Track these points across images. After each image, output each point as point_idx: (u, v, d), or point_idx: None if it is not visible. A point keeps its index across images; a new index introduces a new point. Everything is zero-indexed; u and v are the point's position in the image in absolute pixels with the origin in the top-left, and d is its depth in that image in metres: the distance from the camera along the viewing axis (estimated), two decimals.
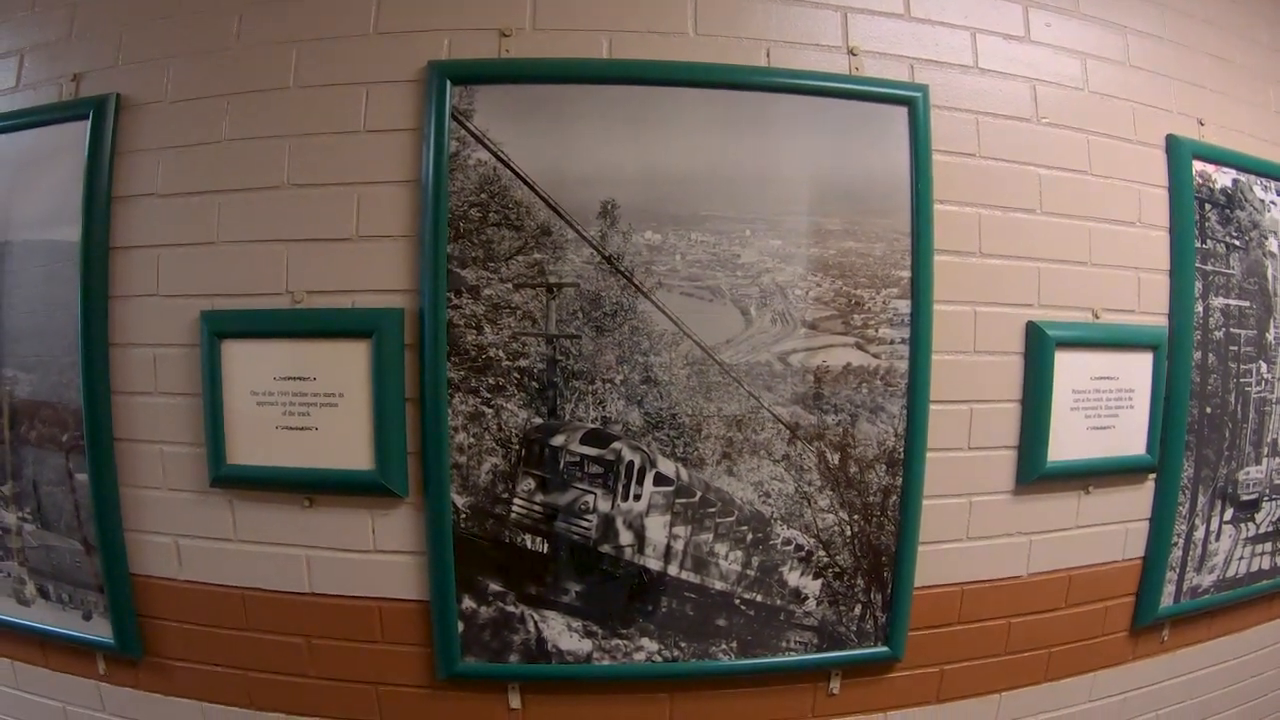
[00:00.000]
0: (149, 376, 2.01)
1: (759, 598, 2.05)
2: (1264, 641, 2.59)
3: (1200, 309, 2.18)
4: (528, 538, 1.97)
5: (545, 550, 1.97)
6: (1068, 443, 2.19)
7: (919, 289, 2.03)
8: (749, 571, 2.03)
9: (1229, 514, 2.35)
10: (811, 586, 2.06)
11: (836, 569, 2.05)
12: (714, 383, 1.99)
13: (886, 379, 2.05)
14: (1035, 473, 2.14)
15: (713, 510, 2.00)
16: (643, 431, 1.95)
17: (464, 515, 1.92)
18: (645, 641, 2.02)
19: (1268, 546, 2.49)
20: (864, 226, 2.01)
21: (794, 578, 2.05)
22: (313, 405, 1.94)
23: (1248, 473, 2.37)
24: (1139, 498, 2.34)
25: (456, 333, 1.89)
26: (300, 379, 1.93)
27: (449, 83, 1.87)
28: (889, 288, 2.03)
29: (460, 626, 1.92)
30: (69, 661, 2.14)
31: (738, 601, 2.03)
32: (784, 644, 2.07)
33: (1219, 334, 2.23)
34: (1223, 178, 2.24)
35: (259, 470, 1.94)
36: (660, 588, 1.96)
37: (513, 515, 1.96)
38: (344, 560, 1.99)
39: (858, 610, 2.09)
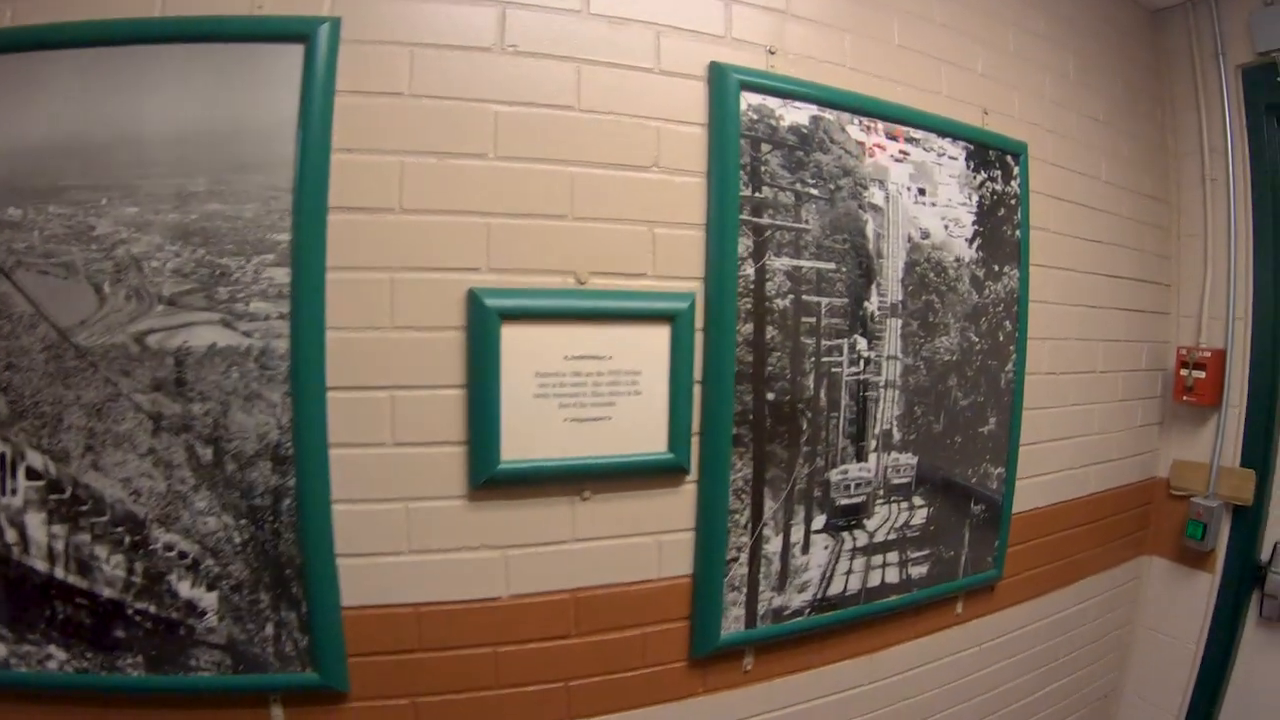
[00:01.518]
0: None
1: (152, 609, 1.09)
2: (903, 665, 1.13)
3: (751, 272, 0.79)
4: None
5: None
6: (537, 438, 1.14)
7: (300, 254, 1.03)
8: (135, 579, 1.08)
9: (820, 521, 0.93)
10: (208, 599, 1.09)
11: (233, 581, 1.09)
12: (71, 368, 1.06)
13: (262, 361, 1.06)
14: (484, 474, 1.11)
15: (85, 509, 1.07)
16: (10, 421, 1.06)
17: None
18: (54, 649, 1.10)
19: (894, 557, 1.08)
20: (233, 185, 1.04)
21: (185, 588, 1.09)
22: None
23: (845, 472, 0.99)
24: (674, 504, 1.25)
25: None
26: None
27: None
28: (262, 254, 1.05)
29: None
30: None
31: (131, 612, 1.09)
32: (193, 662, 1.10)
33: (783, 303, 0.86)
34: (795, 114, 0.88)
35: None
36: (52, 592, 1.09)
37: None
38: None
39: (270, 630, 1.10)
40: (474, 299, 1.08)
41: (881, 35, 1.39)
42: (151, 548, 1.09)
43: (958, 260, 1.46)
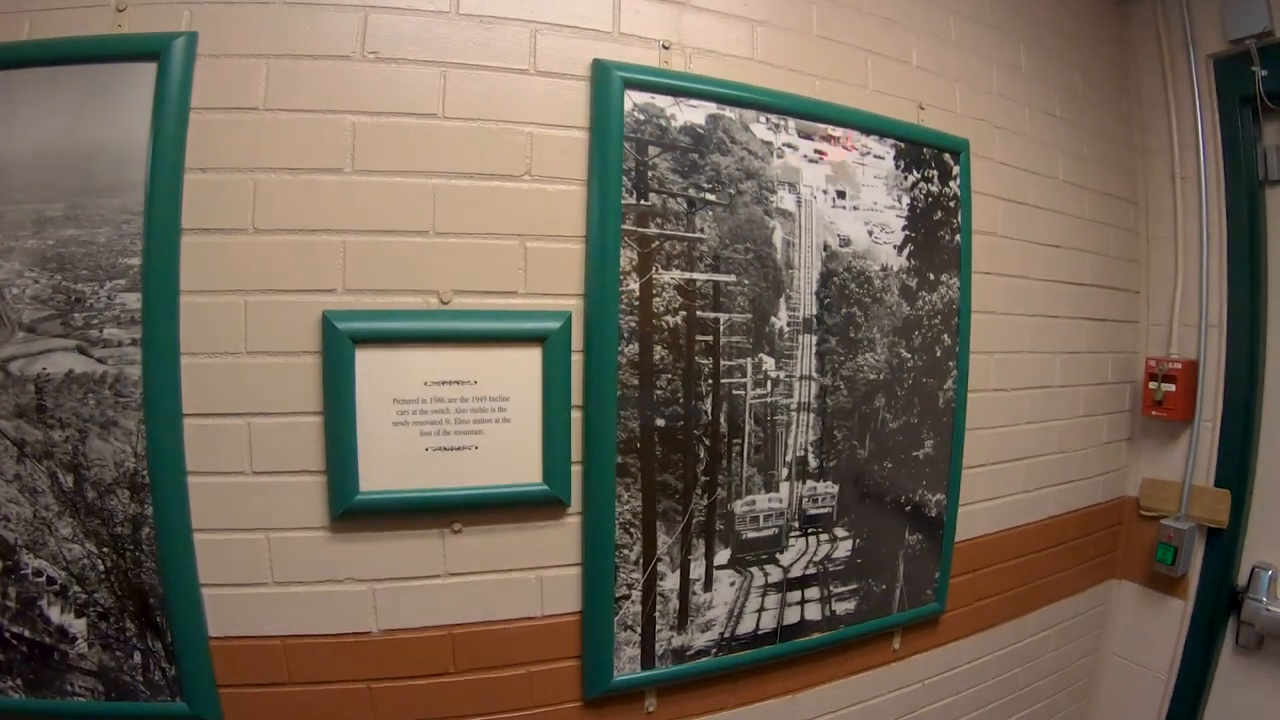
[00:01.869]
0: None
1: (27, 633, 1.02)
2: (832, 705, 1.04)
3: (636, 287, 0.66)
4: None
5: None
6: (398, 467, 1.02)
7: (151, 279, 0.95)
8: (9, 602, 1.02)
9: (724, 556, 0.79)
10: (78, 626, 1.02)
11: (99, 608, 1.02)
12: None
13: (117, 388, 0.98)
14: (342, 505, 1.01)
15: None
16: None
17: None
18: None
19: (814, 593, 0.92)
20: (88, 210, 0.97)
21: (55, 614, 1.03)
22: None
23: (752, 503, 0.83)
24: (556, 538, 1.12)
25: None
26: None
27: None
28: (115, 279, 0.97)
29: None
30: None
31: (7, 635, 1.03)
32: (69, 687, 1.03)
33: (674, 320, 0.72)
34: (690, 113, 0.73)
35: None
36: None
37: None
38: None
39: (138, 658, 1.02)
40: (326, 322, 0.98)
41: (797, 25, 1.23)
42: (22, 573, 1.04)
43: (884, 269, 1.30)
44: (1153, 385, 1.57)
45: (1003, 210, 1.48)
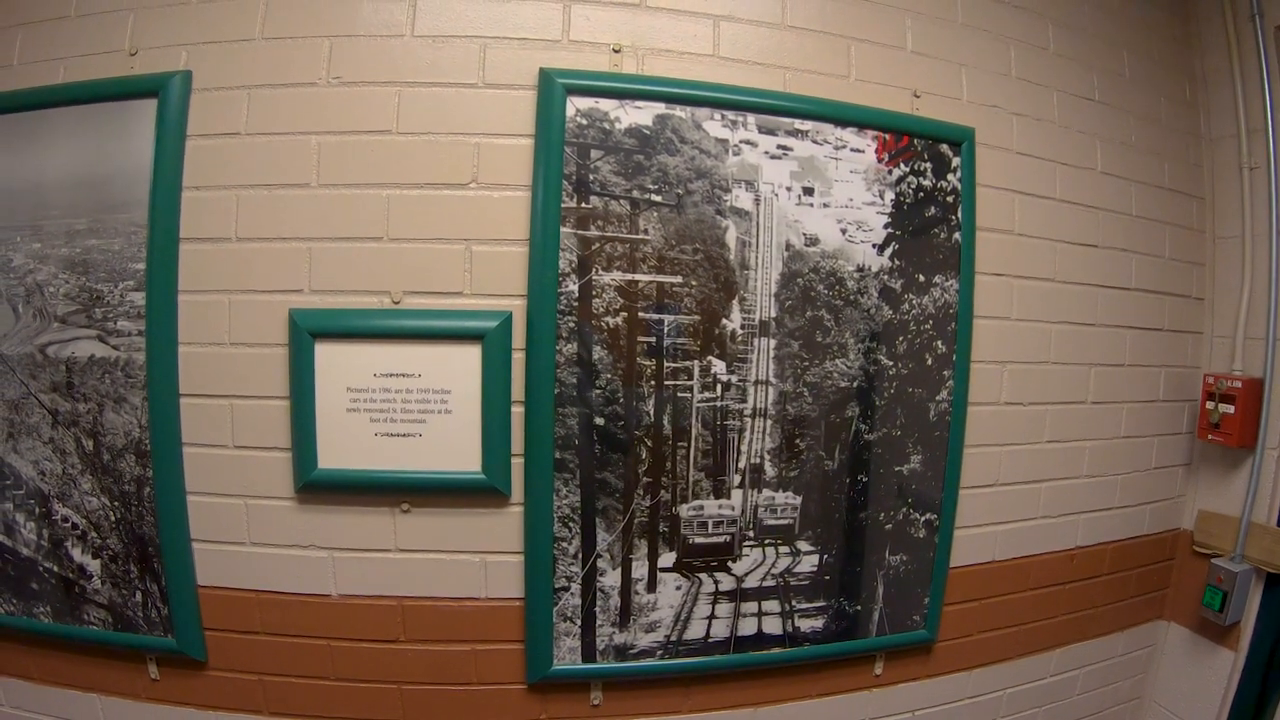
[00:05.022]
0: None
1: (56, 568, 1.46)
2: None
3: (575, 288, 1.00)
4: None
5: None
6: (350, 448, 1.32)
7: (153, 281, 1.32)
8: (44, 542, 1.47)
9: (669, 559, 1.11)
10: (94, 565, 1.44)
11: (111, 552, 1.43)
12: None
13: (127, 370, 1.36)
14: (303, 478, 1.33)
15: (8, 483, 1.46)
16: None
17: None
18: None
19: (773, 606, 1.21)
20: (105, 223, 1.37)
21: (78, 554, 1.45)
22: None
23: (700, 508, 1.13)
24: (499, 525, 1.37)
25: None
26: None
27: None
28: (126, 281, 1.36)
29: None
30: None
31: (41, 569, 1.47)
32: (87, 617, 1.45)
33: (614, 321, 1.06)
34: (635, 114, 1.06)
35: None
36: None
37: None
38: None
39: (139, 597, 1.42)
40: (291, 318, 1.28)
41: (765, 18, 1.36)
42: (54, 518, 1.44)
43: (861, 269, 1.41)
44: (1209, 406, 1.56)
45: (1021, 205, 1.53)
